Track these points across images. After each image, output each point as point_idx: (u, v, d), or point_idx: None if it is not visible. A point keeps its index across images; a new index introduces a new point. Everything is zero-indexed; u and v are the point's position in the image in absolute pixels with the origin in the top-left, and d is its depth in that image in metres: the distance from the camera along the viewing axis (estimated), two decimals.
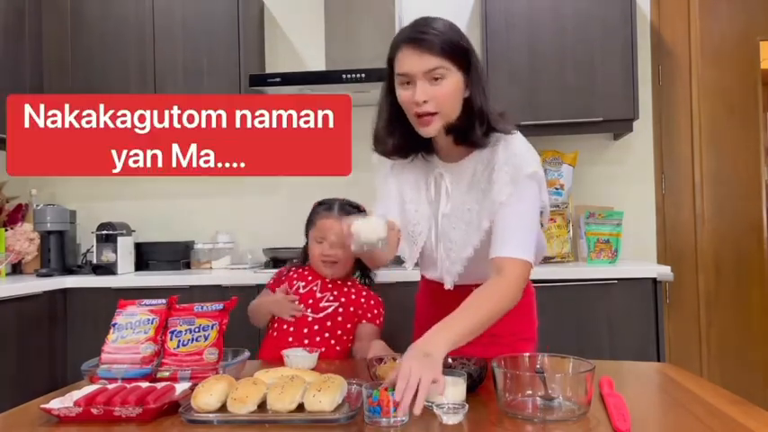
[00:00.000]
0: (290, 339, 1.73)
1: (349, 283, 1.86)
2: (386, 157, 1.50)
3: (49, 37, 3.08)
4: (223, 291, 2.66)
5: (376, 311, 1.83)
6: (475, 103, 1.36)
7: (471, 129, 1.37)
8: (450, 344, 1.20)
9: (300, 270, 1.88)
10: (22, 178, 3.39)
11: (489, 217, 1.39)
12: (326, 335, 1.76)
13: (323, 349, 1.62)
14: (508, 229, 1.36)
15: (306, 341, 1.73)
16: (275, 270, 1.98)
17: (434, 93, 1.31)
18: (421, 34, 1.31)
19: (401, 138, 1.44)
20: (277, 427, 1.12)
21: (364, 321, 1.80)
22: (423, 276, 1.69)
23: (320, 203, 1.92)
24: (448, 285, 1.49)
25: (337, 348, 1.76)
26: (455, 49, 1.32)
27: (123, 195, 3.38)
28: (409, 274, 1.69)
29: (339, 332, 1.78)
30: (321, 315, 1.77)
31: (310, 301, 1.79)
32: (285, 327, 1.77)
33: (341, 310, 1.79)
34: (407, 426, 1.10)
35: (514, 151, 1.40)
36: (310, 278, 1.84)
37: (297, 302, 1.79)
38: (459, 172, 1.46)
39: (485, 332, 1.34)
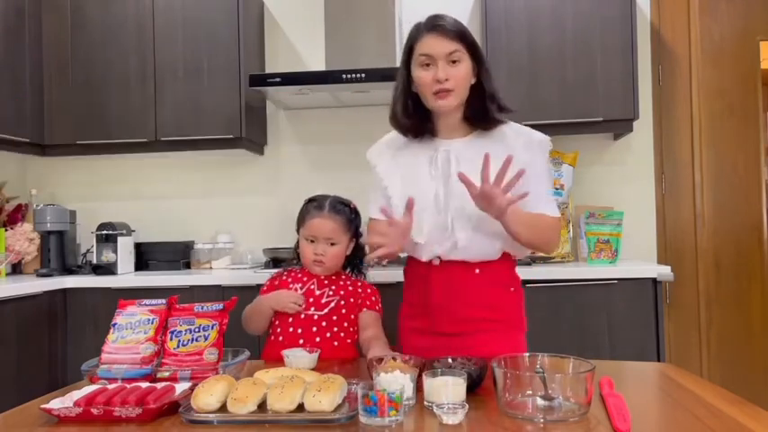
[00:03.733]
0: (301, 341, 1.72)
1: (343, 277, 1.86)
2: (401, 133, 1.67)
3: (49, 37, 3.08)
4: (223, 291, 2.66)
5: (374, 298, 1.84)
6: (486, 86, 1.58)
7: (486, 109, 1.58)
8: (510, 211, 1.44)
9: (294, 272, 1.87)
10: (21, 178, 3.40)
11: (506, 179, 1.48)
12: (335, 329, 1.76)
13: (320, 350, 1.61)
14: (533, 192, 1.49)
15: (317, 339, 1.73)
16: (275, 270, 1.97)
17: (453, 73, 1.53)
18: (441, 23, 1.53)
19: (414, 117, 1.62)
20: (277, 427, 1.12)
21: (365, 309, 1.80)
22: (411, 265, 1.71)
23: (311, 200, 1.89)
24: (461, 243, 1.58)
25: (348, 341, 1.77)
26: (467, 38, 1.55)
27: (123, 195, 3.38)
28: None
29: (345, 324, 1.78)
30: (326, 311, 1.77)
31: (311, 300, 1.78)
32: (291, 329, 1.75)
33: (342, 302, 1.79)
34: (407, 425, 1.10)
35: (520, 127, 1.64)
36: (305, 278, 1.83)
37: (299, 295, 1.78)
38: (464, 145, 1.62)
39: (484, 317, 1.58)
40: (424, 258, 1.63)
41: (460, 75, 1.53)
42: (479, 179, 1.45)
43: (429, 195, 1.59)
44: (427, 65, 1.54)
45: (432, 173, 1.61)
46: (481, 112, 1.59)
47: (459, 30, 1.53)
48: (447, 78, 1.52)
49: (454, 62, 1.52)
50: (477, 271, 1.60)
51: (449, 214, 1.58)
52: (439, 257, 1.61)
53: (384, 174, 1.68)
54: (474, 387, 1.25)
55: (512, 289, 1.65)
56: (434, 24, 1.53)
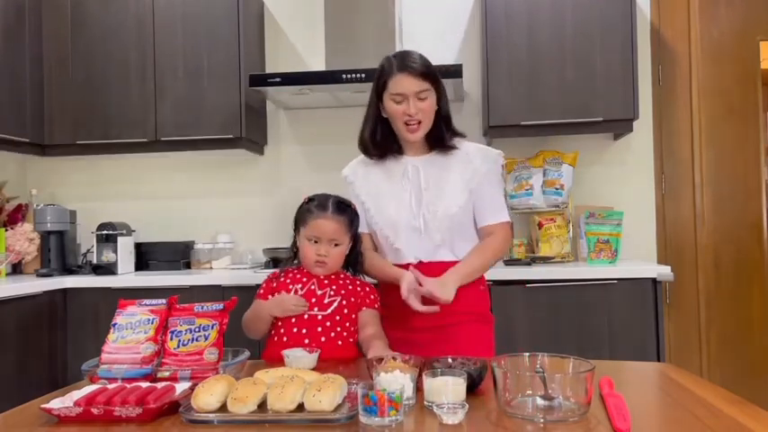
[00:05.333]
0: (306, 342, 1.72)
1: (342, 276, 1.85)
2: (368, 157, 1.88)
3: (49, 35, 3.08)
4: (223, 291, 2.66)
5: (373, 296, 1.84)
6: (443, 112, 1.80)
7: (441, 133, 1.81)
8: (459, 281, 1.69)
9: (291, 273, 1.85)
10: (21, 178, 3.40)
11: (470, 187, 1.80)
12: (338, 329, 1.76)
13: (320, 350, 1.61)
14: (489, 200, 1.82)
15: (322, 339, 1.72)
16: (275, 270, 1.96)
17: (422, 107, 1.74)
18: (412, 63, 1.73)
19: (381, 142, 1.84)
20: (277, 427, 1.12)
21: (364, 308, 1.80)
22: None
23: (311, 200, 1.85)
24: (438, 241, 1.79)
25: (350, 340, 1.77)
26: (433, 76, 1.75)
27: (123, 195, 3.38)
28: None
29: (347, 324, 1.77)
30: (329, 311, 1.77)
31: (313, 300, 1.78)
32: (296, 330, 1.74)
33: (344, 302, 1.78)
34: (407, 425, 1.11)
35: (476, 145, 1.89)
36: (305, 279, 1.82)
37: (301, 298, 1.77)
38: (429, 161, 1.84)
39: (460, 311, 1.75)
40: (405, 261, 1.80)
41: (428, 108, 1.75)
42: (442, 190, 1.78)
43: (404, 204, 1.80)
44: (399, 101, 1.74)
45: (403, 185, 1.82)
46: (439, 138, 1.82)
47: (426, 68, 1.74)
48: (417, 112, 1.73)
49: (422, 98, 1.73)
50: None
51: (421, 218, 1.78)
52: (420, 260, 1.80)
53: (360, 189, 1.88)
54: (474, 387, 1.25)
55: (481, 287, 1.86)
56: (405, 65, 1.73)
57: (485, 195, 1.81)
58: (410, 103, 1.73)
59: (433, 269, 1.76)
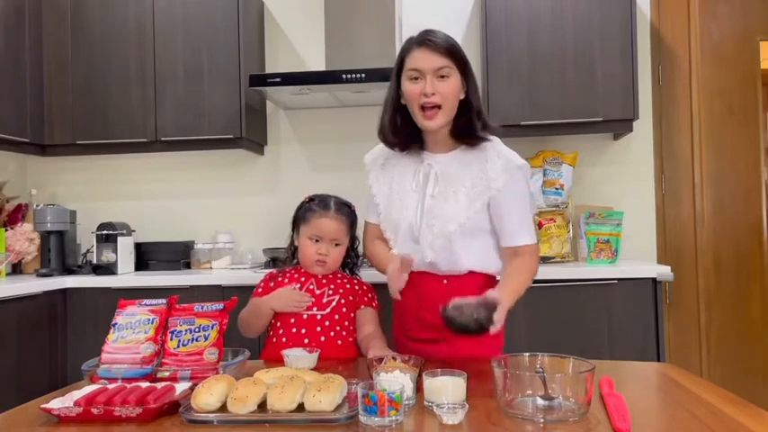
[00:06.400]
0: (306, 341, 1.72)
1: (339, 275, 1.86)
2: (389, 147, 1.71)
3: (49, 37, 3.08)
4: (223, 291, 2.66)
5: (370, 295, 1.85)
6: (473, 103, 1.61)
7: (471, 125, 1.60)
8: (509, 305, 1.48)
9: (289, 273, 1.86)
10: (21, 178, 3.40)
11: (482, 200, 1.60)
12: (338, 328, 1.76)
13: (320, 350, 1.61)
14: (508, 219, 1.61)
15: (322, 338, 1.73)
16: (272, 270, 1.96)
17: (441, 87, 1.54)
18: (432, 37, 1.55)
19: (402, 132, 1.65)
20: (277, 427, 1.12)
21: (362, 306, 1.81)
22: None
23: (311, 199, 1.87)
24: (428, 258, 1.64)
25: (349, 339, 1.78)
26: (457, 55, 1.56)
27: (123, 195, 3.38)
28: None
29: (346, 323, 1.78)
30: (328, 310, 1.77)
31: (312, 300, 1.78)
32: (295, 330, 1.75)
33: (343, 301, 1.79)
34: (407, 425, 1.11)
35: (503, 147, 1.64)
36: (303, 279, 1.83)
37: (305, 294, 1.78)
38: (447, 161, 1.66)
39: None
40: None
41: (448, 90, 1.55)
42: (447, 202, 1.60)
43: (409, 209, 1.67)
44: (416, 78, 1.55)
45: (413, 186, 1.68)
46: (467, 129, 1.61)
47: (449, 45, 1.55)
48: (434, 93, 1.54)
49: (443, 77, 1.54)
50: (446, 282, 1.66)
51: (421, 231, 1.64)
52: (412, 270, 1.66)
53: (373, 181, 1.77)
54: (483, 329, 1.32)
55: None
56: (425, 39, 1.55)
57: (503, 213, 1.60)
58: (427, 81, 1.53)
59: (423, 278, 1.66)
